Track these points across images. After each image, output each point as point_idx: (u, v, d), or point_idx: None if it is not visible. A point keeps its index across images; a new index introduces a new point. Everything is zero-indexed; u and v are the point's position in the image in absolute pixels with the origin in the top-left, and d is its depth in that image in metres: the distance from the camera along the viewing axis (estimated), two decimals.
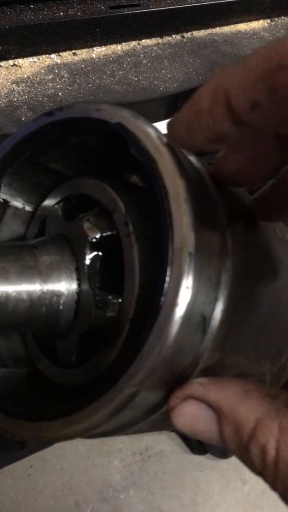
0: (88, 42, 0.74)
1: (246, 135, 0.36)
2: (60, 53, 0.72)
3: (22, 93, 0.66)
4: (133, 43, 0.80)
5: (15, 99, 0.65)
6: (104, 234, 0.44)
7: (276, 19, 1.00)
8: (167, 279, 0.35)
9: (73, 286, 0.44)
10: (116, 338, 0.41)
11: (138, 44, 0.80)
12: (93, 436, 0.40)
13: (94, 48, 0.76)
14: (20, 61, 0.69)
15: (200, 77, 0.84)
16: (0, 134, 0.66)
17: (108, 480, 1.71)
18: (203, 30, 0.89)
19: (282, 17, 1.00)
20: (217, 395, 0.37)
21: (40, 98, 0.66)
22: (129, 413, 0.37)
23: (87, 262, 0.44)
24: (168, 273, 0.35)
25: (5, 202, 0.50)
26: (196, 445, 1.73)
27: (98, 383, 0.42)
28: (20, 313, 0.42)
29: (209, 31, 0.91)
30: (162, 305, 0.35)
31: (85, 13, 0.72)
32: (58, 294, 0.43)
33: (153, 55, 0.79)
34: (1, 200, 0.50)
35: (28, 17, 0.68)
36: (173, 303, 0.35)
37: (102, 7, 0.74)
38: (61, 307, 0.43)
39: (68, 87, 0.69)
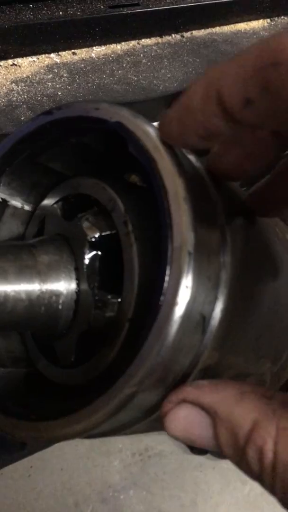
0: (87, 42, 0.74)
1: (239, 132, 0.36)
2: (60, 53, 0.72)
3: (21, 93, 0.65)
4: (133, 43, 0.80)
5: (14, 98, 0.65)
6: (103, 234, 0.44)
7: (276, 18, 1.00)
8: (167, 278, 0.35)
9: (72, 285, 0.44)
10: (115, 338, 0.41)
11: (138, 43, 0.80)
12: (92, 436, 0.40)
13: (94, 48, 0.76)
14: (19, 60, 0.69)
15: None
16: None
17: (108, 481, 1.71)
18: (202, 30, 0.89)
19: (282, 17, 1.00)
20: (212, 398, 0.36)
21: (39, 98, 0.65)
22: (128, 413, 0.37)
23: (86, 261, 0.44)
24: (168, 272, 0.35)
25: (4, 201, 0.50)
26: None
27: (97, 383, 0.42)
28: (19, 313, 0.42)
29: (209, 30, 0.90)
30: (162, 304, 0.35)
31: (84, 12, 0.72)
32: (57, 294, 0.43)
33: (152, 54, 0.79)
34: (0, 200, 0.49)
35: (27, 16, 0.68)
36: (172, 303, 0.34)
37: (102, 7, 0.74)
38: (60, 307, 0.43)
39: (67, 86, 0.69)
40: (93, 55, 0.75)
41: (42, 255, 0.43)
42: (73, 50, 0.73)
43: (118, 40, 0.77)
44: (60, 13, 0.71)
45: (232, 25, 0.94)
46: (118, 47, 0.78)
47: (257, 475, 0.33)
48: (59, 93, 0.67)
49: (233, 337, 0.41)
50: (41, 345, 0.49)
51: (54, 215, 0.49)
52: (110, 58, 0.76)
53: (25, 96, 0.65)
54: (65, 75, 0.70)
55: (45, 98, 0.66)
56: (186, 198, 0.36)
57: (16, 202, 0.51)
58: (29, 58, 0.69)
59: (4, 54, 0.67)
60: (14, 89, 0.66)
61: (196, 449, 1.73)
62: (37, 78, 0.68)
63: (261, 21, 0.98)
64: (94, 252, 0.44)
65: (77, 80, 0.70)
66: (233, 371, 0.43)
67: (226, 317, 0.38)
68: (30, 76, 0.68)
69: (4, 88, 0.65)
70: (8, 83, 0.66)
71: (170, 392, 0.37)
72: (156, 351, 0.35)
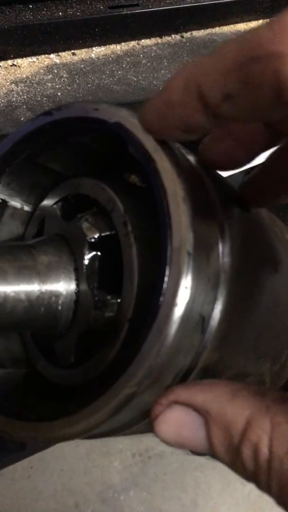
0: (87, 42, 0.74)
1: (220, 125, 0.36)
2: (59, 53, 0.72)
3: (21, 93, 0.65)
4: (132, 43, 0.80)
5: (14, 99, 0.65)
6: (103, 234, 0.44)
7: None
8: (166, 279, 0.35)
9: (72, 286, 0.44)
10: (115, 338, 0.41)
11: (138, 44, 0.80)
12: (92, 436, 0.40)
13: (93, 48, 0.76)
14: (19, 61, 0.69)
15: None
16: None
17: (108, 481, 1.71)
18: (202, 30, 0.89)
19: None
20: (204, 397, 0.35)
21: (39, 98, 0.65)
22: (128, 413, 0.37)
23: (86, 262, 0.44)
24: (167, 272, 0.35)
25: (4, 202, 0.50)
26: None
27: (97, 383, 0.42)
28: (18, 314, 0.42)
29: (209, 31, 0.90)
30: (161, 305, 0.35)
31: (84, 13, 0.72)
32: (56, 295, 0.43)
33: (152, 55, 0.79)
34: (0, 200, 0.49)
35: (27, 17, 0.68)
36: (172, 303, 0.34)
37: (101, 7, 0.74)
38: (59, 308, 0.43)
39: (67, 87, 0.69)
40: (92, 55, 0.75)
41: (42, 255, 0.43)
42: (72, 51, 0.73)
43: (118, 41, 0.77)
44: (60, 13, 0.71)
45: (232, 26, 0.94)
46: (118, 48, 0.78)
47: (253, 475, 0.33)
48: (59, 94, 0.67)
49: (233, 337, 0.41)
50: (40, 345, 0.49)
51: (54, 216, 0.49)
52: (110, 59, 0.76)
53: (25, 97, 0.65)
54: (64, 75, 0.70)
55: (44, 98, 0.66)
56: (185, 198, 0.36)
57: (16, 203, 0.51)
58: (29, 59, 0.69)
59: (4, 54, 0.67)
60: (14, 89, 0.66)
61: None
62: (36, 78, 0.68)
63: (260, 21, 0.97)
64: (93, 253, 0.44)
65: (77, 81, 0.70)
66: (233, 371, 0.43)
67: (225, 318, 0.38)
68: (30, 77, 0.68)
69: (3, 88, 0.65)
70: (8, 83, 0.66)
71: (154, 385, 0.36)
72: (155, 352, 0.35)
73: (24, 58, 0.69)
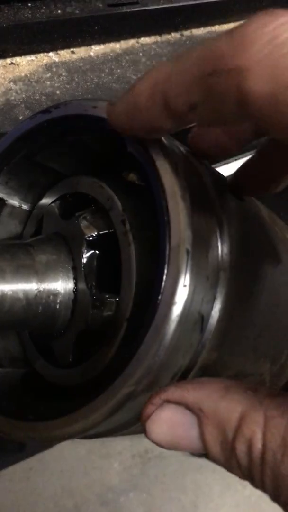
0: (86, 40, 0.74)
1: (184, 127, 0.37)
2: (58, 52, 0.72)
3: (19, 92, 0.65)
4: (132, 41, 0.79)
5: (13, 97, 0.64)
6: (101, 233, 0.44)
7: None
8: (164, 277, 0.34)
9: (70, 285, 0.44)
10: (113, 337, 0.41)
11: (137, 42, 0.80)
12: (90, 436, 0.39)
13: (92, 46, 0.76)
14: (17, 59, 0.68)
15: None
16: None
17: (107, 483, 1.70)
18: (202, 28, 0.89)
19: None
20: (196, 395, 0.35)
21: (37, 97, 0.65)
22: (126, 413, 0.37)
23: (84, 260, 0.44)
24: (165, 271, 0.34)
25: (2, 200, 0.50)
26: None
27: (95, 382, 0.42)
28: (16, 313, 0.41)
29: (208, 29, 0.90)
30: (159, 303, 0.34)
31: (83, 11, 0.72)
32: (54, 293, 0.43)
33: (152, 53, 0.79)
34: None
35: (25, 15, 0.68)
36: (170, 302, 0.34)
37: (101, 5, 0.74)
38: (58, 306, 0.43)
39: (66, 85, 0.68)
40: (92, 54, 0.75)
41: (40, 254, 0.43)
42: (71, 49, 0.73)
43: (117, 39, 0.77)
44: (59, 11, 0.71)
45: (231, 24, 0.94)
46: (117, 46, 0.77)
47: (247, 471, 0.32)
48: (58, 92, 0.67)
49: (232, 336, 0.41)
50: (39, 345, 0.49)
51: (52, 214, 0.48)
52: (109, 57, 0.75)
53: (23, 95, 0.65)
54: (63, 74, 0.70)
55: (43, 97, 0.65)
56: (184, 196, 0.36)
57: (14, 201, 0.50)
58: (28, 57, 0.69)
59: (3, 53, 0.66)
60: (12, 88, 0.65)
61: None
62: (35, 77, 0.67)
63: None
64: (91, 251, 0.44)
65: (76, 79, 0.69)
66: (232, 371, 0.43)
67: (224, 317, 0.38)
68: (29, 75, 0.67)
69: (2, 87, 0.65)
70: (6, 82, 0.66)
71: (152, 385, 0.36)
72: (154, 351, 0.34)
73: (22, 57, 0.68)
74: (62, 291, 0.43)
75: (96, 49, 0.76)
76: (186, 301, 0.34)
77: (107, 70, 0.73)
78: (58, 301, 0.43)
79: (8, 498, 1.60)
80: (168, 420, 0.35)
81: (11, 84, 0.66)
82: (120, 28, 0.77)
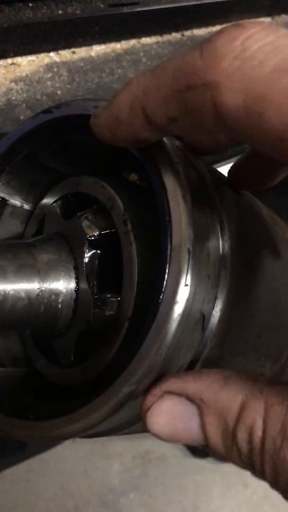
0: (87, 41, 0.74)
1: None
2: (59, 52, 0.72)
3: (20, 92, 0.65)
4: (133, 42, 0.79)
5: (14, 97, 0.64)
6: (103, 232, 0.44)
7: (277, 17, 1.00)
8: (166, 276, 0.34)
9: (72, 284, 0.44)
10: (115, 337, 0.41)
11: (138, 42, 0.80)
12: (91, 435, 0.40)
13: (93, 47, 0.76)
14: (18, 59, 0.68)
15: None
16: None
17: (108, 484, 1.70)
18: (203, 28, 0.89)
19: (282, 15, 1.00)
20: (196, 386, 0.35)
21: (38, 97, 0.65)
22: (127, 412, 0.37)
23: (86, 260, 0.44)
24: (167, 270, 0.35)
25: (3, 200, 0.50)
26: (197, 448, 1.72)
27: (96, 382, 0.42)
28: (18, 312, 0.42)
29: (209, 29, 0.90)
30: (161, 302, 0.34)
31: (84, 11, 0.72)
32: (56, 293, 0.43)
33: (152, 53, 0.79)
34: None
35: (27, 15, 0.68)
36: (172, 301, 0.34)
37: (101, 5, 0.74)
38: (59, 306, 0.43)
39: (67, 85, 0.68)
40: (92, 54, 0.75)
41: (42, 254, 0.43)
42: (72, 49, 0.73)
43: (118, 39, 0.77)
44: (60, 12, 0.71)
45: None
46: (118, 46, 0.78)
47: (248, 460, 0.33)
48: (59, 92, 0.67)
49: (233, 336, 0.41)
50: (40, 345, 0.49)
51: (54, 214, 0.49)
52: (110, 57, 0.76)
53: (24, 95, 0.65)
54: (64, 74, 0.70)
55: (44, 97, 0.65)
56: (185, 196, 0.36)
57: (15, 201, 0.50)
58: (29, 57, 0.69)
59: (4, 53, 0.67)
60: (13, 88, 0.66)
61: (197, 453, 1.73)
62: (36, 77, 0.68)
63: (261, 19, 0.97)
64: (93, 251, 0.44)
65: (77, 79, 0.70)
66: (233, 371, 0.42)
67: (225, 316, 0.38)
68: (30, 75, 0.67)
69: (3, 87, 0.65)
70: (8, 82, 0.66)
71: (154, 384, 0.36)
72: (155, 350, 0.34)
73: (23, 57, 0.69)
74: (64, 290, 0.43)
75: (97, 49, 0.76)
76: (188, 300, 0.34)
77: (108, 70, 0.73)
78: (59, 300, 0.43)
79: (9, 499, 1.60)
80: (168, 411, 0.35)
81: (12, 84, 0.66)
82: (121, 28, 0.77)
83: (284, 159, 0.29)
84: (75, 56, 0.73)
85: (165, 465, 1.74)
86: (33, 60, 0.70)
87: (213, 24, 0.90)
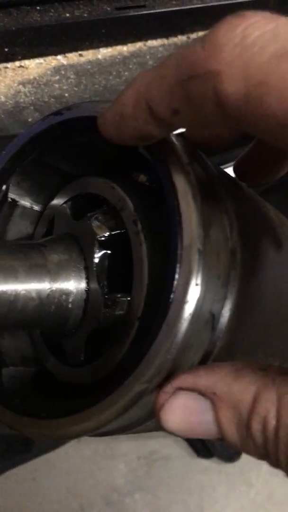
0: (94, 43, 0.74)
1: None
2: (66, 54, 0.72)
3: (28, 94, 0.66)
4: (139, 44, 0.80)
5: (22, 100, 0.65)
6: (113, 233, 0.44)
7: None
8: (177, 276, 0.35)
9: (82, 284, 0.44)
10: (125, 337, 0.41)
11: (144, 45, 0.80)
12: (101, 434, 0.40)
13: (100, 49, 0.76)
14: (26, 62, 0.69)
15: None
16: (6, 135, 0.66)
17: (113, 484, 1.70)
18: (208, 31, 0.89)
19: None
20: (209, 380, 0.35)
21: (46, 99, 0.66)
22: (138, 410, 0.37)
23: (96, 260, 0.44)
24: (177, 270, 0.35)
25: (14, 201, 0.50)
26: (202, 449, 1.72)
27: (106, 381, 0.42)
28: (29, 312, 0.42)
29: None
30: (171, 302, 0.35)
31: (91, 14, 0.72)
32: (67, 293, 0.43)
33: (159, 56, 0.79)
34: (10, 200, 0.50)
35: (34, 18, 0.68)
36: (182, 300, 0.34)
37: (108, 8, 0.75)
38: (70, 306, 0.43)
39: (74, 88, 0.69)
40: (99, 56, 0.76)
41: (52, 254, 0.44)
42: (79, 52, 0.74)
43: (124, 42, 0.78)
44: (67, 15, 0.71)
45: None
46: (125, 49, 0.78)
47: (263, 449, 0.33)
48: (66, 95, 0.67)
49: (242, 335, 0.41)
50: (50, 344, 0.49)
51: (63, 215, 0.49)
52: (117, 60, 0.76)
53: (32, 98, 0.65)
54: (72, 76, 0.71)
55: (52, 99, 0.66)
56: (195, 196, 0.36)
57: (25, 202, 0.51)
58: (36, 60, 0.70)
59: (12, 56, 0.67)
60: (21, 90, 0.66)
61: (202, 453, 1.73)
62: (44, 79, 0.68)
63: None
64: (103, 251, 0.44)
65: (84, 82, 0.70)
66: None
67: (235, 316, 0.38)
68: (37, 78, 0.68)
69: (11, 89, 0.66)
70: (16, 84, 0.66)
71: (164, 383, 0.36)
72: (166, 349, 0.35)
73: (31, 60, 0.69)
74: (74, 290, 0.44)
75: (104, 52, 0.76)
76: (198, 300, 0.35)
77: (114, 73, 0.74)
78: (70, 300, 0.43)
79: (14, 499, 1.60)
80: (182, 407, 0.35)
81: (20, 86, 0.66)
82: (127, 31, 0.77)
83: (286, 146, 0.29)
84: (82, 59, 0.73)
85: (170, 466, 1.74)
86: (41, 63, 0.70)
87: None
